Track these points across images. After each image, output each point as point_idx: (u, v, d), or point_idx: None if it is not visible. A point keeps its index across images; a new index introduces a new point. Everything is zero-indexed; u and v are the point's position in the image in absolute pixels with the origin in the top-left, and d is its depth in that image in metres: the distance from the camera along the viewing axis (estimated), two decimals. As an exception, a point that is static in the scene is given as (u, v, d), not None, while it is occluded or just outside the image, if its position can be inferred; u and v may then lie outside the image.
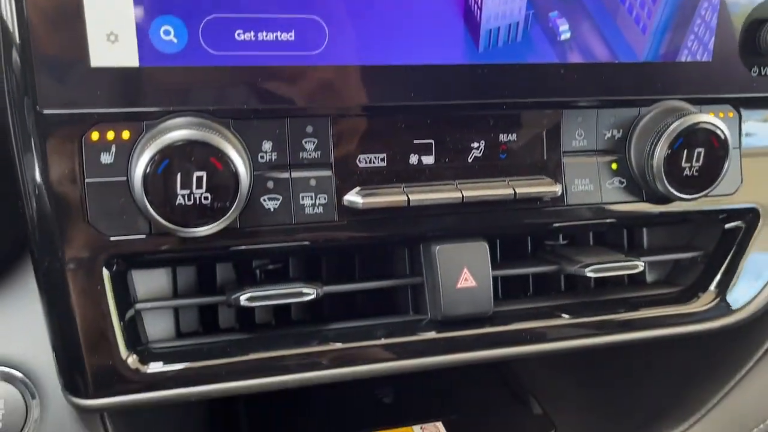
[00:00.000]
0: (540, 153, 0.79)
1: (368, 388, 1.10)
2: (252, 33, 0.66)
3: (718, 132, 0.79)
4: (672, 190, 0.79)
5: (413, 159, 0.75)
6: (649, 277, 0.96)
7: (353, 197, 0.72)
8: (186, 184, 0.64)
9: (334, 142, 0.72)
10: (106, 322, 0.68)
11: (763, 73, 0.83)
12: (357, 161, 0.73)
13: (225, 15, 0.64)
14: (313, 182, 0.72)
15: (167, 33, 0.64)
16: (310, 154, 0.71)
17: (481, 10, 0.71)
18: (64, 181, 0.64)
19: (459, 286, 0.78)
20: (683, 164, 0.79)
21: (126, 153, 0.65)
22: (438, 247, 0.77)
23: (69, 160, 0.64)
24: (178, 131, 0.63)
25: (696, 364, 1.02)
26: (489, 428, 1.03)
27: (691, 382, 1.01)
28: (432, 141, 0.75)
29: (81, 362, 0.68)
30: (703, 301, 0.90)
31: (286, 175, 0.71)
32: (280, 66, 0.67)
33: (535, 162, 0.79)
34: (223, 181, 0.65)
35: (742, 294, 0.91)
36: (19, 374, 0.74)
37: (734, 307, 0.91)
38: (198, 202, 0.64)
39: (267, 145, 0.70)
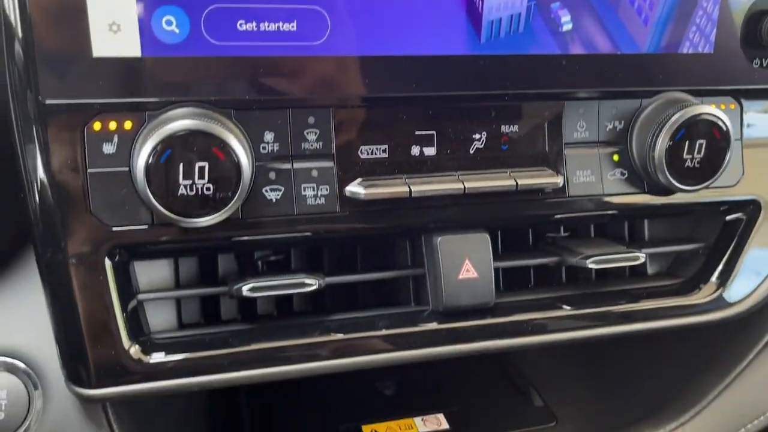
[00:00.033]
0: (542, 144, 0.79)
1: (369, 380, 1.10)
2: (254, 23, 0.66)
3: (720, 123, 0.79)
4: (673, 182, 0.79)
5: (415, 150, 0.75)
6: (650, 269, 0.96)
7: (355, 188, 0.72)
8: (188, 175, 0.64)
9: (335, 133, 0.72)
10: (108, 313, 0.69)
11: (764, 64, 0.83)
12: (359, 152, 0.73)
13: (227, 5, 0.64)
14: (315, 173, 0.72)
15: (169, 23, 0.64)
16: (311, 145, 0.71)
17: (483, 1, 0.71)
18: (67, 171, 0.64)
19: (461, 277, 0.78)
20: (685, 156, 0.79)
21: (128, 143, 0.65)
22: (440, 238, 0.78)
23: (71, 151, 0.64)
24: (180, 121, 0.63)
25: (697, 356, 1.02)
26: (490, 420, 1.03)
27: (692, 373, 1.02)
28: (434, 132, 0.75)
29: (84, 352, 0.68)
30: (704, 293, 0.91)
31: (288, 166, 0.71)
32: (282, 57, 0.67)
33: (536, 153, 0.79)
34: (226, 172, 0.65)
35: (743, 286, 0.91)
36: (21, 365, 0.74)
37: (735, 299, 0.91)
38: (200, 192, 0.64)
39: (269, 136, 0.70)
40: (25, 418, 0.74)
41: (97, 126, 0.64)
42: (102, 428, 0.77)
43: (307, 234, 0.73)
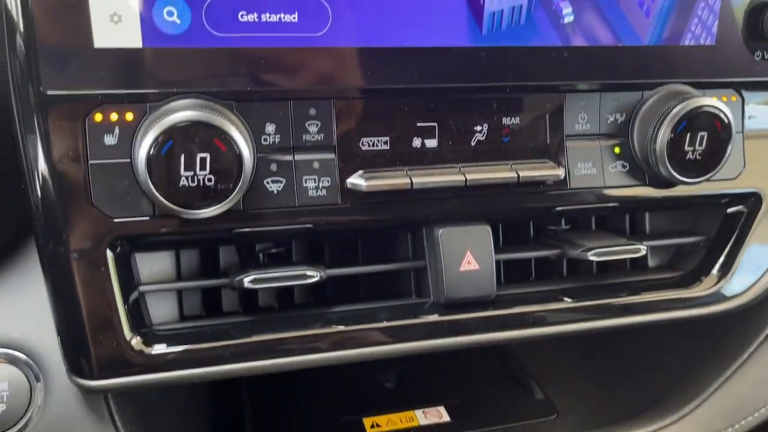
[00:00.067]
0: (543, 136, 0.79)
1: (371, 373, 1.10)
2: (255, 14, 0.66)
3: (722, 116, 0.79)
4: (675, 174, 0.79)
5: (416, 142, 0.75)
6: (651, 262, 0.96)
7: (357, 180, 0.72)
8: (189, 166, 0.64)
9: (337, 124, 0.72)
10: (110, 305, 0.69)
11: (766, 57, 0.83)
12: (360, 144, 0.73)
13: (228, -4, 0.64)
14: (316, 165, 0.72)
15: (170, 14, 0.63)
16: (313, 137, 0.71)
17: (484, -8, 0.71)
18: (68, 162, 0.64)
19: (462, 269, 0.78)
20: (686, 148, 0.79)
21: (129, 134, 0.65)
22: (441, 230, 0.78)
23: (72, 142, 0.64)
24: (182, 112, 0.63)
25: (697, 349, 1.02)
26: (491, 412, 1.03)
27: (693, 366, 1.02)
28: (435, 124, 0.75)
29: (85, 344, 0.69)
30: (705, 286, 0.91)
31: (289, 157, 0.71)
32: (284, 48, 0.67)
33: (538, 145, 0.79)
34: (227, 163, 0.65)
35: (744, 279, 0.91)
36: (23, 356, 0.74)
37: (736, 291, 0.91)
38: (201, 183, 0.64)
39: (270, 128, 0.70)
40: (26, 410, 0.74)
41: (98, 117, 0.64)
42: (103, 419, 0.78)
43: (308, 226, 0.73)
